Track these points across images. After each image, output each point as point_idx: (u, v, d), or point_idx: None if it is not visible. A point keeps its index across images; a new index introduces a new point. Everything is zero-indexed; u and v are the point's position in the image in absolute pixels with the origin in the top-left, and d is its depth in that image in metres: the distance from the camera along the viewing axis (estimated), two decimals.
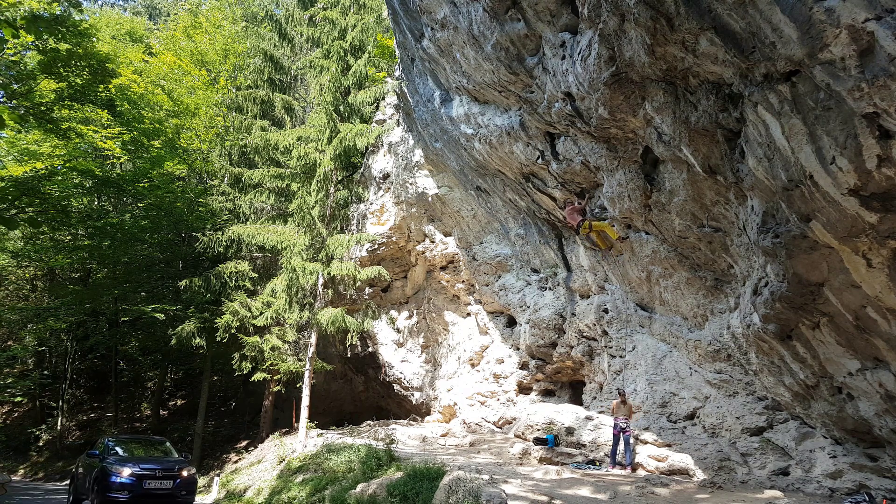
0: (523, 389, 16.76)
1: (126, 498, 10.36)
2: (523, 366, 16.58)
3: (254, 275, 19.47)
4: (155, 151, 21.14)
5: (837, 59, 4.66)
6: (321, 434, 16.15)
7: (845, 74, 4.67)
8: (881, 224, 5.45)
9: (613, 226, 10.95)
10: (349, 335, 16.54)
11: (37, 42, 12.95)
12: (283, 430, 20.32)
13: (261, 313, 16.90)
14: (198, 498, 17.56)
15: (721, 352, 10.34)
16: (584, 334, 14.25)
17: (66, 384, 27.11)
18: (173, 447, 13.14)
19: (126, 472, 10.50)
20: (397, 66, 17.90)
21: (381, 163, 19.97)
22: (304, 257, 16.41)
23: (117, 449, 11.91)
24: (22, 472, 24.89)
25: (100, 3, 43.30)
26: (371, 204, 19.95)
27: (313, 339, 16.63)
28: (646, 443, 11.38)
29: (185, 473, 11.05)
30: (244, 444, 22.24)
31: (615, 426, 11.02)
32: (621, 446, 11.01)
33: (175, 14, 34.21)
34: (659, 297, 11.44)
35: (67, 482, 14.82)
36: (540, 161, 11.43)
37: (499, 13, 9.00)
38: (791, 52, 4.97)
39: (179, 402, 28.91)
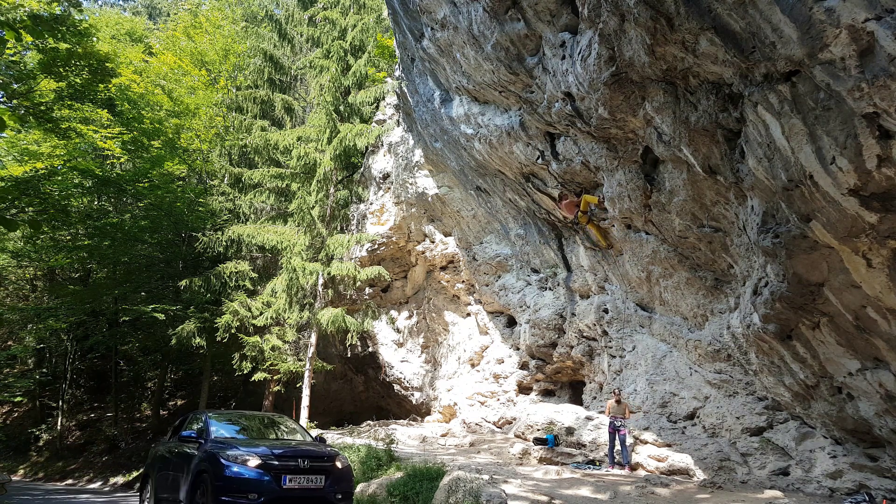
0: (523, 389, 16.76)
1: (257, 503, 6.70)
2: (523, 366, 16.58)
3: (254, 275, 19.48)
4: (155, 151, 21.14)
5: (837, 59, 4.65)
6: (321, 434, 16.15)
7: (845, 74, 4.67)
8: (881, 224, 5.44)
9: (594, 195, 10.92)
10: (349, 335, 16.55)
11: (36, 42, 12.96)
12: None
13: (261, 313, 16.91)
14: None
15: (721, 352, 10.33)
16: (584, 334, 14.25)
17: (66, 384, 27.12)
18: (299, 425, 9.28)
19: (252, 461, 6.85)
20: (397, 66, 17.90)
21: (381, 163, 19.97)
22: (304, 257, 16.42)
23: (225, 427, 8.23)
24: (22, 472, 24.89)
25: (100, 3, 43.32)
26: (371, 204, 19.95)
27: (313, 339, 16.64)
28: (646, 443, 11.38)
29: (339, 465, 7.45)
30: None
31: (610, 425, 11.09)
32: (618, 446, 11.03)
33: (175, 14, 34.22)
34: (659, 297, 11.43)
35: (136, 487, 9.92)
36: (540, 161, 11.42)
37: (499, 13, 8.99)
38: (791, 52, 4.97)
39: (179, 402, 28.90)
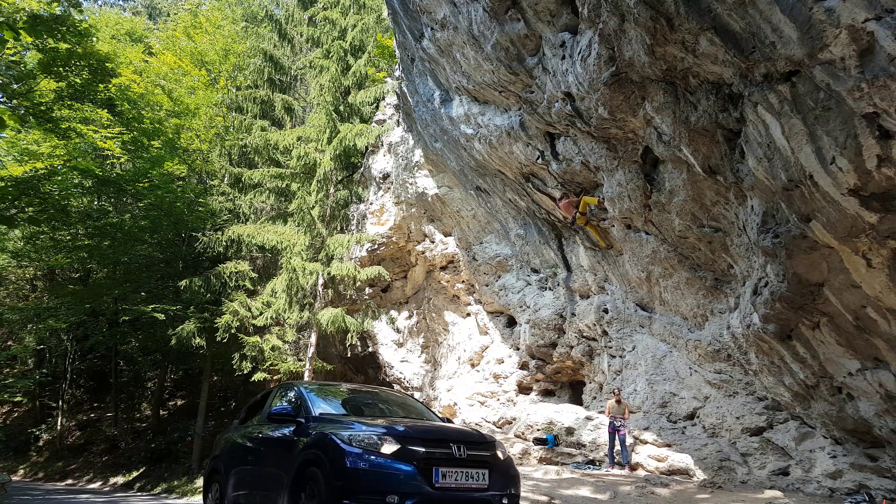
0: (523, 389, 16.76)
1: None
2: (523, 366, 16.58)
3: (254, 275, 19.49)
4: (155, 151, 21.14)
5: (837, 59, 4.65)
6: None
7: (845, 74, 4.67)
8: (881, 224, 5.45)
9: (594, 196, 10.90)
10: (349, 335, 16.55)
11: (36, 42, 12.96)
12: None
13: (261, 313, 16.90)
14: (197, 498, 17.49)
15: (721, 352, 10.33)
16: (584, 334, 14.24)
17: (66, 384, 27.14)
18: (417, 401, 7.05)
19: (387, 446, 4.74)
20: (397, 66, 17.90)
21: (381, 163, 19.97)
22: (304, 257, 16.42)
23: (325, 403, 5.99)
24: (22, 472, 24.90)
25: (100, 3, 43.34)
26: (371, 204, 19.95)
27: (313, 339, 16.64)
28: (646, 443, 11.38)
29: (500, 455, 5.24)
30: None
31: (610, 425, 11.12)
32: (617, 446, 11.05)
33: (175, 14, 34.22)
34: (659, 297, 11.43)
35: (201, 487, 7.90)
36: (540, 161, 11.42)
37: (499, 13, 8.99)
38: (791, 52, 4.97)
39: (179, 402, 28.91)
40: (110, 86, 16.88)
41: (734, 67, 5.81)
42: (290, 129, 19.27)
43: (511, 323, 17.48)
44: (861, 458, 8.28)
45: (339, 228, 18.56)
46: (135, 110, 22.22)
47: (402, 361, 20.12)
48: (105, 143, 18.21)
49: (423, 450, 4.77)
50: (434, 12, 11.26)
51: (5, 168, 17.58)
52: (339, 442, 4.80)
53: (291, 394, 6.21)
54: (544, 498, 7.82)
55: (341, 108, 17.92)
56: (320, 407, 5.79)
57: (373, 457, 4.66)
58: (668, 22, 6.04)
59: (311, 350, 16.51)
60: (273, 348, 16.95)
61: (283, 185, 18.59)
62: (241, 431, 6.70)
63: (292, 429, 5.52)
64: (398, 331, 20.14)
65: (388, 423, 5.27)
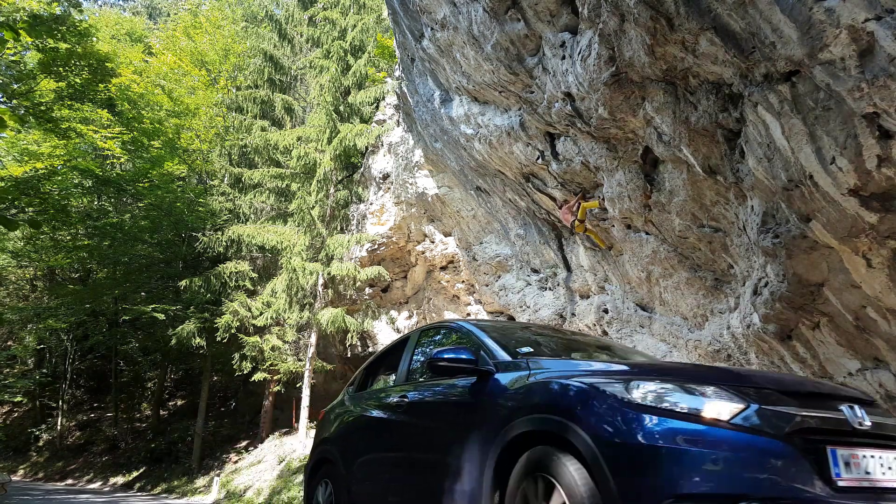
0: None
1: None
2: None
3: (254, 275, 19.51)
4: (155, 151, 21.16)
5: (837, 59, 4.65)
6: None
7: (845, 74, 4.67)
8: (881, 224, 5.44)
9: (595, 199, 10.86)
10: (349, 335, 16.59)
11: (36, 42, 12.98)
12: (283, 430, 20.34)
13: (261, 313, 16.93)
14: (197, 498, 17.54)
15: (721, 352, 10.33)
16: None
17: (66, 384, 27.16)
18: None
19: (719, 403, 2.27)
20: (397, 66, 17.91)
21: (381, 163, 19.97)
22: (304, 257, 16.44)
23: (512, 344, 3.53)
24: (22, 472, 24.92)
25: (100, 3, 43.36)
26: (371, 204, 19.95)
27: (313, 339, 16.65)
28: None
29: None
30: (244, 444, 22.28)
31: None
32: None
33: (175, 14, 34.25)
34: (659, 298, 11.43)
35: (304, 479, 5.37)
36: (540, 161, 11.42)
37: (499, 13, 8.99)
38: (791, 52, 4.97)
39: (179, 402, 28.93)
40: (110, 86, 16.92)
41: (734, 67, 5.81)
42: (290, 129, 19.29)
43: None
44: None
45: (339, 228, 18.59)
46: (135, 110, 22.24)
47: None
48: (105, 143, 18.24)
49: (797, 413, 2.42)
50: (434, 12, 11.26)
51: (5, 168, 17.60)
52: (608, 395, 2.49)
53: (444, 335, 4.07)
54: None
55: (341, 108, 17.95)
56: (531, 351, 3.59)
57: (692, 425, 2.31)
58: (668, 22, 6.04)
59: (311, 350, 16.52)
60: (273, 348, 16.98)
61: (283, 185, 18.62)
62: (368, 399, 4.39)
63: (472, 382, 3.29)
64: (398, 331, 20.14)
65: (679, 365, 3.08)
